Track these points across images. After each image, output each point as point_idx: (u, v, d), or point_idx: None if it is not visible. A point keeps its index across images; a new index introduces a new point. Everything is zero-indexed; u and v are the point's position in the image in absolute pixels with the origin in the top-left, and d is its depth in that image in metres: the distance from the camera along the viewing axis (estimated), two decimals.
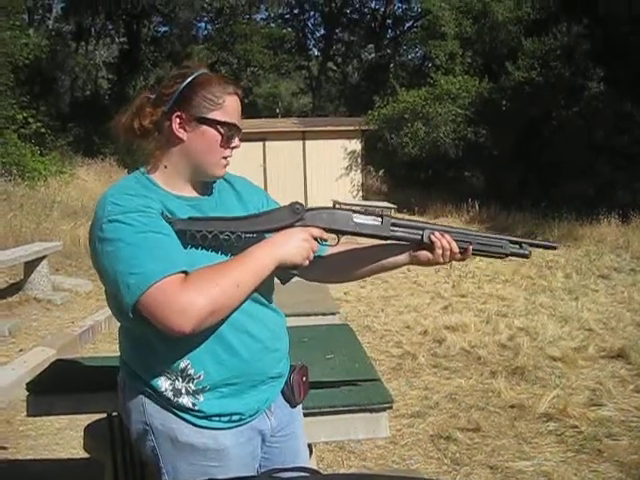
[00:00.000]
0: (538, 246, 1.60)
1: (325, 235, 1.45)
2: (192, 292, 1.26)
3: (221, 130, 1.40)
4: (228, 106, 1.40)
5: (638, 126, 13.12)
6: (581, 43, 14.41)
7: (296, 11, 31.32)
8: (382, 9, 29.83)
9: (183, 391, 1.38)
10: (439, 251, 1.48)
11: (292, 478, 1.20)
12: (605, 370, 4.53)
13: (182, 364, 1.37)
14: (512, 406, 3.89)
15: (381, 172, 20.91)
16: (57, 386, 2.05)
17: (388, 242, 1.52)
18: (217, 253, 1.39)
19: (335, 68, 32.02)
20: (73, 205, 11.53)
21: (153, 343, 1.36)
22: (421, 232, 1.48)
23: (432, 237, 1.47)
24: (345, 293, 7.23)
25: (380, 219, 1.48)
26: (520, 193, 14.86)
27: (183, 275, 1.28)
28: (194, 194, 1.45)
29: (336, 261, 1.57)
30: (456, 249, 1.49)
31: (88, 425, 2.28)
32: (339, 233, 1.48)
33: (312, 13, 31.76)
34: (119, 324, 1.45)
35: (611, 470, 3.07)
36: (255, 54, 27.14)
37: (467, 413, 3.81)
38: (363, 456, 3.29)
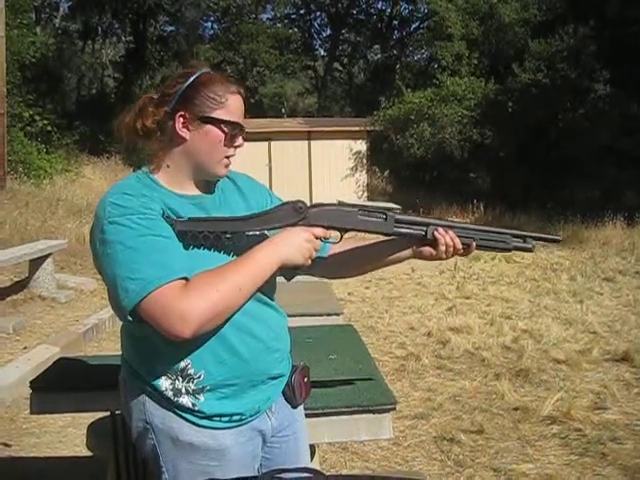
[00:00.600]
0: (541, 239, 1.60)
1: (328, 234, 1.45)
2: (192, 298, 1.25)
3: (224, 129, 1.39)
4: (231, 105, 1.40)
5: None
6: (587, 45, 14.39)
7: (302, 11, 31.29)
8: (388, 10, 29.79)
9: (183, 391, 1.38)
10: (442, 247, 1.48)
11: (295, 479, 1.20)
12: (609, 373, 4.52)
13: (182, 364, 1.36)
14: (516, 408, 3.87)
15: (386, 173, 20.86)
16: (61, 384, 2.06)
17: (391, 238, 1.52)
18: (219, 253, 1.38)
19: (341, 69, 31.99)
20: (78, 203, 11.55)
21: (154, 342, 1.35)
22: (425, 228, 1.48)
23: (436, 234, 1.47)
24: (349, 294, 7.22)
25: (384, 216, 1.47)
26: (525, 195, 14.84)
27: (183, 281, 1.28)
28: (197, 193, 1.45)
29: (340, 259, 1.58)
30: (459, 245, 1.48)
31: (91, 423, 2.28)
32: (343, 230, 1.48)
33: (318, 13, 31.74)
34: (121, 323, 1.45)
35: (615, 474, 3.06)
36: (261, 54, 27.12)
37: (471, 415, 3.79)
38: (366, 457, 3.29)
